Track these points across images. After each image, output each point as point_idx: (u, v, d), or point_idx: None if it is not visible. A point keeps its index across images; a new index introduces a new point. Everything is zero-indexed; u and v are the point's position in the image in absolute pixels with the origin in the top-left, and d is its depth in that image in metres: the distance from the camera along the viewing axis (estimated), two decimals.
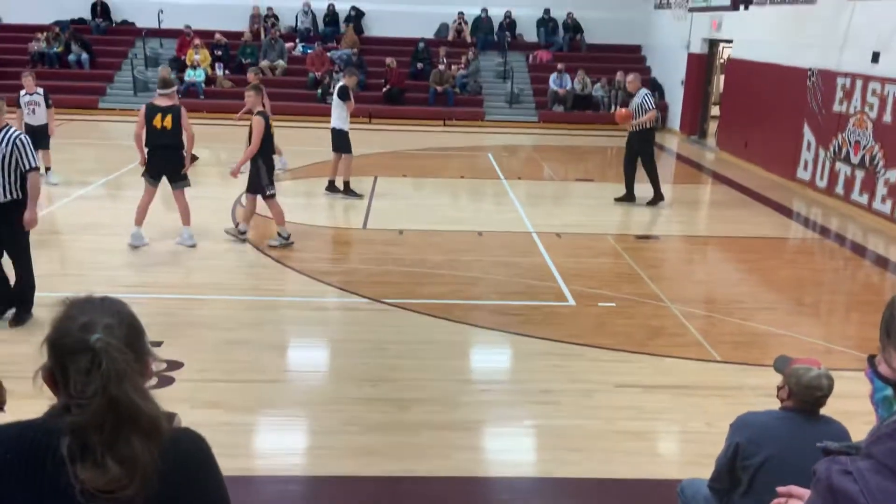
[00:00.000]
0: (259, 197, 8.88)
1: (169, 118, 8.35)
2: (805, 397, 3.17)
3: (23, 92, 11.09)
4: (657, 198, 11.48)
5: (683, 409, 5.42)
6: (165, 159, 8.50)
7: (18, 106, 11.08)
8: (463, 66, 20.50)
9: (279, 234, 8.86)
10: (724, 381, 5.89)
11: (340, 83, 11.18)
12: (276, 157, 10.03)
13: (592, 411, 5.33)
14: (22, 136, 6.19)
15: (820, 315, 7.77)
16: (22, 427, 1.59)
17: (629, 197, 11.58)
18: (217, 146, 15.92)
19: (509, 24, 21.92)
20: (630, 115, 11.21)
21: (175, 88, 8.61)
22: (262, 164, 8.70)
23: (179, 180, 8.65)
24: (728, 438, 3.28)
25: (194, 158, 10.60)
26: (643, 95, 11.22)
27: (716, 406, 5.41)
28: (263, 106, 8.98)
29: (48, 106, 11.21)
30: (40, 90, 11.18)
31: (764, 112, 14.45)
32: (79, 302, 1.63)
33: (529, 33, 22.17)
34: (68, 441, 1.51)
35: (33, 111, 11.11)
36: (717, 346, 6.50)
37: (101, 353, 1.51)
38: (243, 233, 8.99)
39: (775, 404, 3.37)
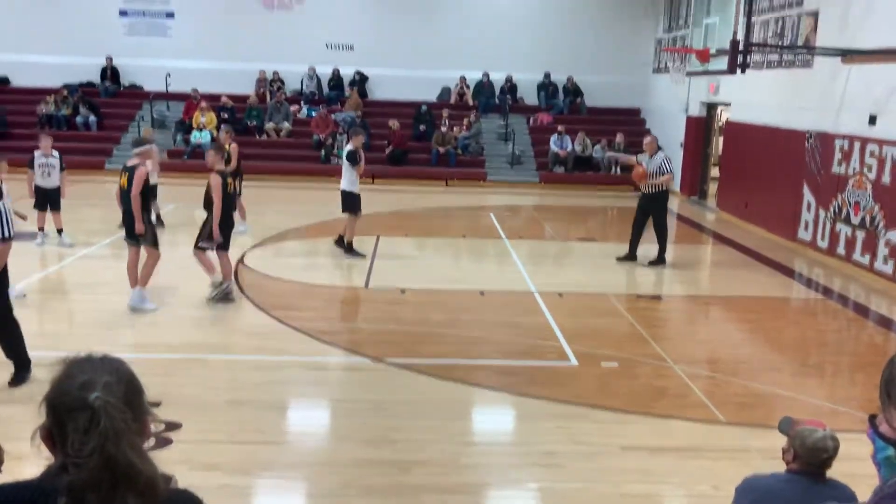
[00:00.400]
0: (217, 250, 8.91)
1: (125, 178, 8.38)
2: (811, 459, 3.12)
3: (38, 153, 11.14)
4: (660, 260, 11.49)
5: (690, 471, 5.34)
6: (124, 218, 8.49)
7: (31, 167, 11.13)
8: (465, 128, 20.80)
9: (212, 285, 8.90)
10: (730, 444, 5.81)
11: (348, 147, 11.32)
12: (237, 219, 10.24)
13: (598, 474, 5.24)
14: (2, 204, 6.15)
15: (825, 376, 7.70)
16: (19, 487, 1.57)
17: (631, 257, 11.60)
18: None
19: (510, 87, 22.32)
20: (646, 174, 11.28)
21: (144, 148, 8.53)
22: (210, 219, 8.82)
23: (129, 237, 8.51)
24: (734, 502, 3.22)
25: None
26: (662, 158, 11.36)
27: (722, 469, 5.32)
28: (230, 164, 9.07)
29: (62, 169, 11.31)
30: (56, 153, 11.29)
31: (763, 173, 14.58)
32: (78, 360, 1.62)
33: (530, 96, 22.56)
34: (65, 501, 1.49)
35: (48, 174, 11.16)
36: (722, 407, 6.43)
37: (99, 412, 1.50)
38: (221, 286, 8.89)
39: (781, 466, 3.32)
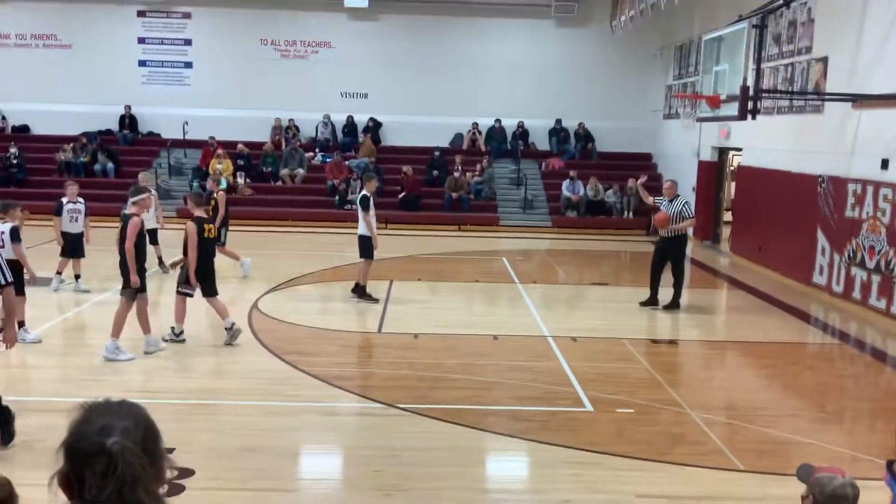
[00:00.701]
0: (207, 298, 9.03)
1: (119, 227, 8.38)
2: None
3: (65, 200, 11.28)
4: (675, 304, 11.45)
5: None
6: (120, 267, 8.37)
7: (58, 214, 11.21)
8: (477, 173, 20.96)
9: (172, 329, 8.92)
10: (748, 492, 5.71)
11: (362, 193, 11.43)
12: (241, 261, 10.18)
13: None
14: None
15: (844, 422, 7.59)
16: None
17: (653, 301, 11.53)
18: (236, 251, 16.14)
19: (522, 133, 22.53)
20: (668, 218, 11.25)
21: (141, 197, 8.43)
22: (187, 264, 8.89)
23: (122, 288, 8.40)
24: None
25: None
26: (683, 203, 11.38)
27: None
28: (219, 212, 9.21)
29: (86, 215, 11.45)
30: (81, 199, 11.47)
31: (777, 217, 14.57)
32: (97, 406, 1.64)
33: (542, 142, 22.76)
34: None
35: (76, 219, 11.31)
36: (739, 454, 6.33)
37: (117, 457, 1.51)
38: (230, 329, 8.95)
39: None
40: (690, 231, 11.91)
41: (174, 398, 7.20)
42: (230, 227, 13.11)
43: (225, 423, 6.68)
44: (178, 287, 9.07)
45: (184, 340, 8.94)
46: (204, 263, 8.96)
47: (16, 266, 8.86)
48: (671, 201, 11.36)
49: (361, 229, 11.28)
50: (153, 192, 12.69)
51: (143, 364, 8.26)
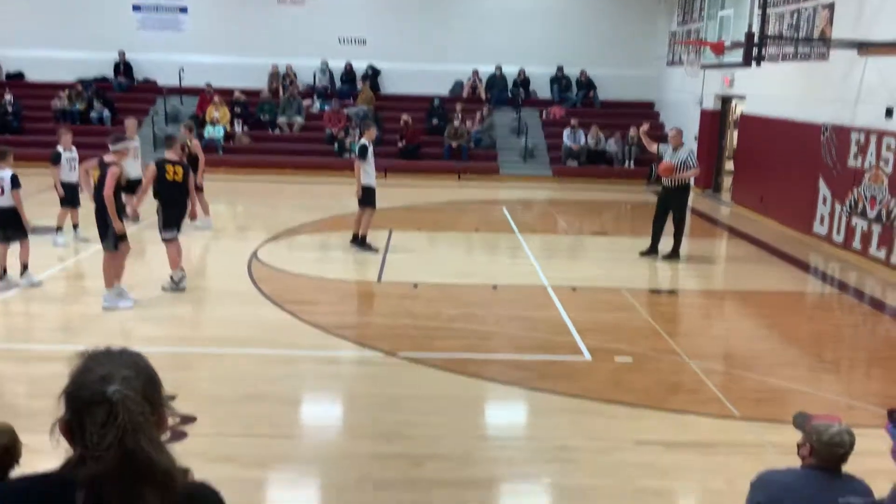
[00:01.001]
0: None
1: (97, 174, 8.25)
2: (827, 455, 3.10)
3: (61, 148, 10.99)
4: (675, 254, 11.45)
5: (704, 467, 5.32)
6: (96, 216, 8.30)
7: (55, 163, 10.93)
8: (477, 121, 20.76)
9: (171, 278, 8.96)
10: (745, 439, 5.78)
11: (361, 141, 11.31)
12: (200, 215, 10.68)
13: (611, 469, 5.23)
14: None
15: (841, 371, 7.65)
16: (37, 480, 1.58)
17: (654, 251, 11.53)
18: (234, 200, 16.12)
19: (523, 81, 22.25)
20: (672, 167, 11.16)
21: (121, 146, 8.26)
22: (161, 209, 8.99)
23: (102, 239, 8.34)
24: (749, 498, 3.20)
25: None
26: (688, 152, 11.27)
27: (737, 464, 5.29)
28: (188, 155, 10.02)
29: (79, 163, 11.31)
30: (74, 147, 11.24)
31: (779, 167, 14.48)
32: (97, 354, 1.63)
33: (543, 90, 22.49)
34: (84, 493, 1.50)
35: (73, 168, 11.03)
36: (736, 402, 6.39)
37: (117, 406, 1.51)
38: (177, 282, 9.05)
39: (797, 462, 3.30)
40: (693, 181, 11.82)
41: (176, 347, 7.24)
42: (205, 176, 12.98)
43: (226, 371, 6.73)
44: (160, 235, 9.08)
45: (183, 289, 8.94)
46: (167, 206, 8.98)
47: (12, 213, 8.87)
48: (676, 150, 11.27)
49: (364, 179, 11.19)
50: (135, 141, 12.63)
51: (146, 313, 8.29)
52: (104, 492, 1.49)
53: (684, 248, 11.72)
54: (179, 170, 9.02)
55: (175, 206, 9.04)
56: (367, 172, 11.14)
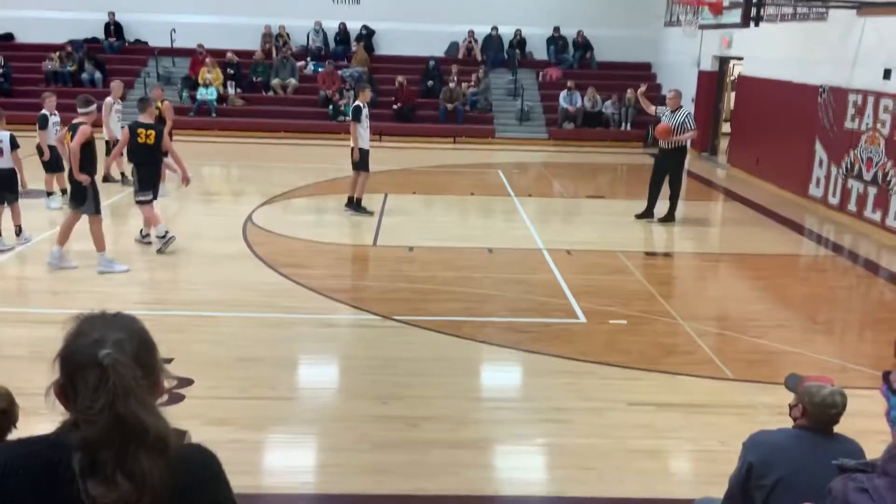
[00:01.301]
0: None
1: (69, 135, 8.24)
2: (819, 415, 3.13)
3: (46, 111, 10.78)
4: (670, 217, 11.46)
5: (696, 427, 5.38)
6: (69, 179, 8.38)
7: (42, 128, 10.79)
8: (473, 83, 20.58)
9: (156, 237, 9.10)
10: (738, 400, 5.84)
11: (355, 103, 11.20)
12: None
13: (604, 430, 5.29)
14: None
15: (834, 333, 7.70)
16: (34, 442, 1.59)
17: (649, 214, 11.55)
18: (228, 163, 16.03)
19: (519, 42, 22.02)
20: (670, 129, 11.10)
21: (90, 109, 8.22)
22: (135, 172, 9.21)
23: (72, 199, 8.38)
24: (741, 458, 3.24)
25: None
26: (686, 114, 11.29)
27: (729, 424, 5.35)
28: (161, 119, 9.95)
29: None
30: (56, 112, 11.07)
31: (775, 129, 14.42)
32: (91, 318, 1.63)
33: (539, 51, 22.26)
34: (79, 457, 1.50)
35: (58, 131, 10.97)
36: (729, 363, 6.45)
37: (108, 370, 1.51)
38: (146, 236, 9.37)
39: (789, 422, 3.34)
40: (689, 143, 11.78)
41: (172, 310, 7.25)
42: (176, 139, 12.78)
43: (223, 334, 6.75)
44: (135, 198, 9.15)
45: (173, 238, 9.04)
46: (140, 169, 9.04)
47: (10, 174, 8.89)
48: (674, 112, 11.25)
49: (359, 142, 11.12)
50: (119, 104, 12.52)
51: (140, 276, 8.29)
52: (99, 455, 1.49)
53: (680, 210, 11.72)
54: (152, 133, 9.00)
55: (147, 168, 9.05)
56: (362, 135, 11.06)
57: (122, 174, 12.58)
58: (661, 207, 11.46)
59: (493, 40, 21.91)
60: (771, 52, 14.77)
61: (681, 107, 11.38)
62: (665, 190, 11.43)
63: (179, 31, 20.98)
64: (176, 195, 12.03)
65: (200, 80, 19.85)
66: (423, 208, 12.34)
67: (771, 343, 6.95)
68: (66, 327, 1.62)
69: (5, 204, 9.03)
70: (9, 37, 21.78)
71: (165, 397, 1.73)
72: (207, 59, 20.04)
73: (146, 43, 21.80)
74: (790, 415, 3.30)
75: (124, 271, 8.28)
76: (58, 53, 20.35)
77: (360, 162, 11.14)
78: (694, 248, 10.71)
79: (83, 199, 8.19)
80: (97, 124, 8.52)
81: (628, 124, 19.98)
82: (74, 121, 8.18)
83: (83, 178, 8.09)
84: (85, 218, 8.31)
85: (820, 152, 12.84)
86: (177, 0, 21.43)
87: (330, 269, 8.84)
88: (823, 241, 11.36)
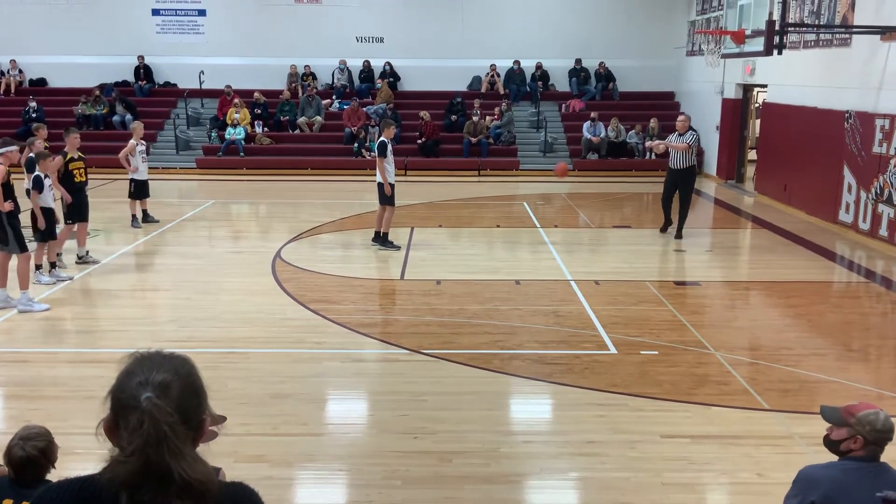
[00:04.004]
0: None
1: None
2: (881, 443, 3.02)
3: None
4: (678, 234, 12.31)
5: (733, 459, 5.29)
6: None
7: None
8: (496, 116, 20.73)
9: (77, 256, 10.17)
10: (774, 430, 5.74)
11: (380, 139, 11.34)
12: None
13: (638, 463, 5.22)
14: None
15: (870, 360, 7.56)
16: (84, 481, 1.61)
17: (669, 224, 12.59)
18: (257, 201, 16.22)
19: (541, 74, 22.17)
20: (566, 169, 11.93)
21: (7, 150, 8.19)
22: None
23: (3, 245, 8.34)
24: (796, 497, 3.07)
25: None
26: (692, 135, 12.17)
27: (766, 456, 5.26)
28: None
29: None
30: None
31: (802, 155, 14.33)
32: (143, 357, 1.65)
33: (562, 83, 22.39)
34: (126, 497, 1.52)
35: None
36: (764, 393, 6.35)
37: (144, 414, 1.53)
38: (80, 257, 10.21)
39: (824, 452, 3.24)
40: (715, 171, 11.83)
41: (203, 347, 7.31)
42: (207, 177, 12.97)
43: (254, 370, 6.79)
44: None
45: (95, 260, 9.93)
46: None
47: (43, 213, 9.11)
48: (682, 135, 12.10)
49: (380, 176, 11.23)
50: (141, 144, 12.72)
51: (172, 314, 8.38)
52: (144, 496, 1.51)
53: (708, 238, 11.68)
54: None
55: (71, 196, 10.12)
56: (388, 170, 11.18)
57: (134, 215, 12.72)
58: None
59: (514, 74, 22.09)
60: (795, 78, 14.73)
61: (689, 129, 12.24)
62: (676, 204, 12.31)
63: (207, 72, 21.44)
64: (205, 235, 12.18)
65: (228, 121, 20.20)
66: (449, 241, 12.38)
67: (805, 372, 6.85)
68: (121, 364, 1.65)
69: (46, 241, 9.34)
70: (42, 82, 22.38)
71: (211, 442, 1.74)
72: (235, 100, 20.41)
73: (175, 85, 22.28)
74: (839, 448, 3.16)
75: (44, 310, 8.31)
76: (90, 97, 20.79)
77: (386, 196, 11.24)
78: (724, 277, 10.61)
79: (6, 238, 8.24)
80: (16, 165, 8.54)
81: (652, 153, 19.94)
82: None
83: (4, 207, 8.13)
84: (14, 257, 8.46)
85: (848, 177, 12.73)
86: (205, 43, 21.94)
87: (358, 304, 8.88)
88: (855, 268, 11.21)
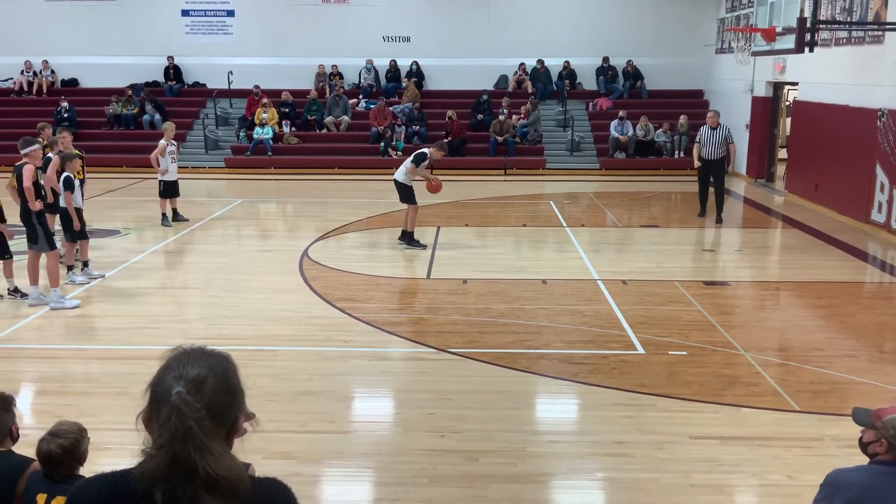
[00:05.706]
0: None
1: (14, 177, 8.62)
2: None
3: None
4: (719, 219, 13.34)
5: (762, 461, 5.23)
6: (22, 218, 8.56)
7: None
8: (523, 115, 20.67)
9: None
10: (804, 432, 5.67)
11: (426, 149, 11.51)
12: None
13: (666, 464, 5.19)
14: None
15: None
16: (120, 475, 1.64)
17: (704, 211, 13.78)
18: (284, 200, 16.34)
19: (568, 73, 22.08)
20: (440, 186, 11.63)
21: (31, 149, 8.43)
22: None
23: (34, 243, 8.57)
24: (824, 501, 3.04)
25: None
26: (726, 130, 13.35)
27: (796, 458, 5.20)
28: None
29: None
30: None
31: (834, 154, 14.13)
32: (183, 352, 1.67)
33: (589, 82, 22.28)
34: (160, 490, 1.55)
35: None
36: (795, 395, 6.28)
37: (173, 409, 1.55)
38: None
39: (858, 455, 3.20)
40: (744, 170, 11.86)
41: (232, 345, 7.37)
42: (234, 177, 13.02)
43: (282, 368, 6.84)
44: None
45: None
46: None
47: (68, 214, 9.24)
48: (714, 130, 13.09)
49: (399, 175, 11.32)
50: (172, 145, 12.83)
51: (202, 312, 8.47)
52: (177, 490, 1.53)
53: (738, 237, 11.56)
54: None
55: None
56: (406, 171, 11.27)
57: (164, 214, 12.85)
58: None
59: (541, 72, 22.02)
60: (826, 76, 14.52)
61: (719, 124, 13.20)
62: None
63: (236, 72, 21.63)
64: (234, 234, 12.30)
65: (257, 120, 20.35)
66: (475, 240, 12.37)
67: (837, 373, 6.76)
68: (162, 358, 1.67)
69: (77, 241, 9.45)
70: (73, 82, 22.72)
71: (243, 439, 1.75)
72: (263, 100, 20.57)
73: (204, 85, 22.50)
74: (867, 450, 3.13)
75: (76, 307, 8.45)
76: (120, 97, 21.08)
77: (407, 196, 11.30)
78: (753, 277, 10.50)
79: (35, 237, 8.46)
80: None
81: (681, 152, 19.79)
82: (18, 164, 8.52)
83: (36, 206, 8.35)
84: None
85: (881, 176, 12.53)
86: (233, 43, 22.14)
87: (385, 303, 8.91)
88: (888, 268, 11.03)
